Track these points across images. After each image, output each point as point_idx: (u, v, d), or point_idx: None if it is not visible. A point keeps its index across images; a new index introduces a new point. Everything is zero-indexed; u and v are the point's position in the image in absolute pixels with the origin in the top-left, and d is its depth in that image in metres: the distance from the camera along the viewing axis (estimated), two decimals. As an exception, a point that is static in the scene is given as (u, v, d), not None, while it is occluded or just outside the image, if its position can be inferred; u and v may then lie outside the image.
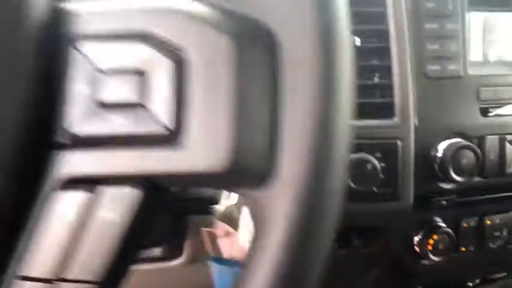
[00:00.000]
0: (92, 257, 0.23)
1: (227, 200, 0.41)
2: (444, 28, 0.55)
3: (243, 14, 0.24)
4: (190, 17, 0.23)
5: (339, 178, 0.23)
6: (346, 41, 0.24)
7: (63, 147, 0.23)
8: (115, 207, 0.22)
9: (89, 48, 0.23)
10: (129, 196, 0.22)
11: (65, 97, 0.23)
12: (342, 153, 0.23)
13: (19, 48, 0.22)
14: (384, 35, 0.54)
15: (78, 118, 0.23)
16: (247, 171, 0.23)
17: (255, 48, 0.23)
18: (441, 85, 0.55)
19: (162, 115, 0.22)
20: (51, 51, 0.23)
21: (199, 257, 0.48)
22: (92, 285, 0.23)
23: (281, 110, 0.23)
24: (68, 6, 0.24)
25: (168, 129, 0.22)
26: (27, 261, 0.23)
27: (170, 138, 0.22)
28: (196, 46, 0.22)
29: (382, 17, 0.54)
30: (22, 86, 0.22)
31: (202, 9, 0.23)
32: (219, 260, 0.46)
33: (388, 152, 0.53)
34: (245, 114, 0.22)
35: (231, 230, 0.43)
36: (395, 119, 0.53)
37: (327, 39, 0.23)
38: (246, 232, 0.43)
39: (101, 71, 0.23)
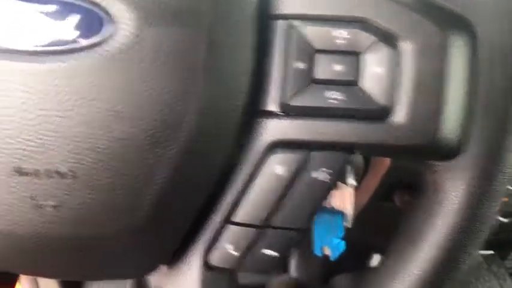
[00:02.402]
0: (298, 208, 0.26)
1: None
2: None
3: (441, 4, 0.26)
4: (404, 6, 0.25)
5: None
6: None
7: (272, 115, 0.26)
8: (324, 169, 0.26)
9: (307, 29, 0.25)
10: (337, 161, 0.26)
11: (280, 71, 0.26)
12: None
13: (243, 20, 0.25)
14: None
15: (291, 91, 0.26)
16: (441, 146, 0.26)
17: (457, 36, 0.25)
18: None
19: (375, 93, 0.25)
20: (268, 28, 0.26)
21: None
22: (293, 231, 0.27)
23: (476, 92, 0.26)
24: None
25: (380, 106, 0.25)
26: (237, 209, 0.27)
27: (380, 114, 0.25)
28: (410, 34, 0.25)
29: None
30: (244, 56, 0.25)
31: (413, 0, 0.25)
32: (322, 208, 0.50)
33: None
34: (449, 96, 0.25)
35: (340, 183, 0.47)
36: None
37: None
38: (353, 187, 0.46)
39: (318, 50, 0.25)
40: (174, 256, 0.29)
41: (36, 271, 0.28)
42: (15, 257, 0.26)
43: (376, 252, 0.74)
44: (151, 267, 0.28)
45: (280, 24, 0.26)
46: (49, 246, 0.25)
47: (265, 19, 0.25)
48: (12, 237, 0.25)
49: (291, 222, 0.27)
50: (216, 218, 0.27)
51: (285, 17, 0.26)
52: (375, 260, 0.77)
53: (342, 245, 0.51)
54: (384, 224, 0.43)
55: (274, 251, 0.27)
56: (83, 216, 0.24)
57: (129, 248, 0.26)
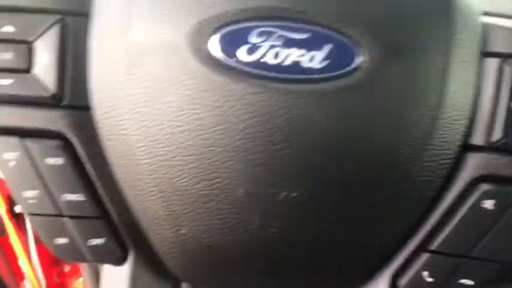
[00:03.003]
0: (503, 242, 0.27)
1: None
2: None
3: None
4: None
5: None
6: None
7: (479, 149, 0.27)
8: None
9: None
10: None
11: (491, 107, 0.26)
12: None
13: (466, 58, 0.26)
14: None
15: (503, 128, 0.26)
16: None
17: None
18: None
19: None
20: (480, 64, 0.26)
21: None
22: (496, 263, 0.28)
23: None
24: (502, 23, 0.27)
25: None
26: (435, 238, 0.28)
27: None
28: None
29: None
30: (465, 92, 0.26)
31: None
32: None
33: None
34: None
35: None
36: None
37: None
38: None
39: None
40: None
41: None
42: (221, 274, 0.29)
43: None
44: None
45: (492, 62, 0.26)
46: (262, 265, 0.27)
47: (478, 56, 0.26)
48: (231, 257, 0.27)
49: (494, 254, 0.27)
50: (411, 245, 0.28)
51: (499, 55, 0.26)
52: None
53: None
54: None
55: (472, 280, 0.28)
56: (302, 239, 0.26)
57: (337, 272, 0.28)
